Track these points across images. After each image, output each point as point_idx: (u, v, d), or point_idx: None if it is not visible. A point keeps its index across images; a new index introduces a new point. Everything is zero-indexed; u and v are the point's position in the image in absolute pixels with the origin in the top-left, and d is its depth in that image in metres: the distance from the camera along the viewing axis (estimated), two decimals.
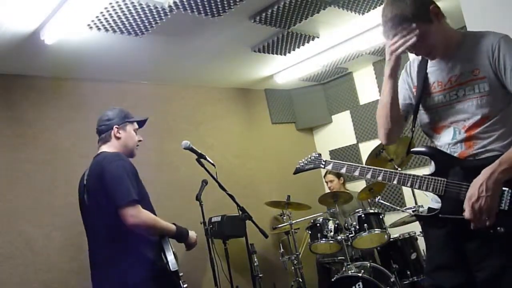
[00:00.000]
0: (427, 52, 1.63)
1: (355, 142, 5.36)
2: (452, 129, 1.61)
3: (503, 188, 1.46)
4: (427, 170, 1.74)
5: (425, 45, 1.58)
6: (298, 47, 3.96)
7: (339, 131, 5.54)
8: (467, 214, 1.48)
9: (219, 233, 3.80)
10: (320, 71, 5.01)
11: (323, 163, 1.97)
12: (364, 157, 4.96)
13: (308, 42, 3.88)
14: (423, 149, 1.74)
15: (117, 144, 2.31)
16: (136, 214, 2.02)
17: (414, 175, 1.65)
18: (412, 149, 1.74)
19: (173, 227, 2.22)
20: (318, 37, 3.85)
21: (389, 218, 4.20)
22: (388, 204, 3.98)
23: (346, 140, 5.43)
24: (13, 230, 3.06)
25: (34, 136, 3.32)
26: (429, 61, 1.71)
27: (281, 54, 4.06)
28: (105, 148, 2.31)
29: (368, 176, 1.75)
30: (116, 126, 2.32)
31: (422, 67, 1.71)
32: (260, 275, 3.87)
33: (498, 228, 1.46)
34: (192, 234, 2.32)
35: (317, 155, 2.02)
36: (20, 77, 3.34)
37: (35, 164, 3.28)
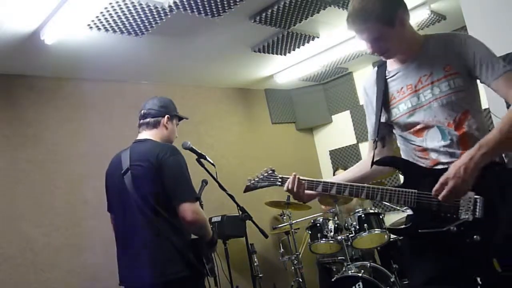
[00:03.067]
0: (381, 52, 1.61)
1: (355, 142, 5.36)
2: (437, 129, 1.56)
3: (476, 197, 1.44)
4: None
5: (380, 46, 1.58)
6: (298, 47, 3.96)
7: (339, 131, 5.54)
8: (436, 187, 1.45)
9: (219, 233, 3.80)
10: (320, 71, 5.01)
11: (280, 180, 1.77)
12: (364, 157, 4.96)
13: (308, 42, 3.88)
14: (388, 160, 1.69)
15: (163, 134, 2.24)
16: (198, 211, 2.02)
17: (383, 188, 1.59)
18: (376, 160, 1.67)
19: (211, 232, 2.20)
20: (318, 37, 3.85)
21: (389, 218, 4.20)
22: (388, 204, 3.99)
23: (346, 140, 5.43)
24: (13, 230, 3.06)
25: (34, 136, 3.32)
26: (387, 70, 1.70)
27: (281, 54, 4.06)
28: (149, 134, 2.22)
29: (333, 191, 1.66)
30: (168, 115, 2.27)
31: (379, 80, 1.70)
32: (260, 275, 3.88)
33: (475, 236, 1.43)
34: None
35: (271, 171, 1.81)
36: (20, 77, 3.34)
37: (35, 164, 3.28)
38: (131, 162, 2.10)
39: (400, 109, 1.63)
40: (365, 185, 1.62)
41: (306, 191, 1.73)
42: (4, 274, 2.95)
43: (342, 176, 1.86)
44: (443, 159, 1.55)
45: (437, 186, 1.45)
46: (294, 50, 4.00)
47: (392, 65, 1.69)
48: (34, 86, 3.40)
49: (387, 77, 1.69)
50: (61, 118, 3.50)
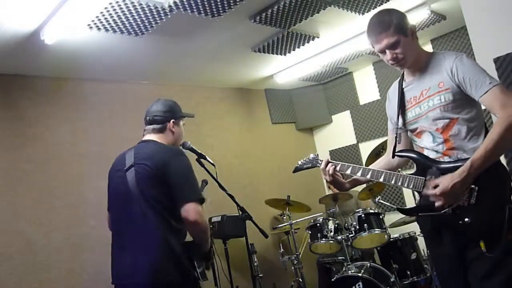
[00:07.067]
0: (397, 60, 1.86)
1: (355, 142, 5.36)
2: (430, 133, 1.90)
3: (472, 186, 1.72)
4: None
5: (396, 53, 1.84)
6: (298, 47, 3.96)
7: (339, 131, 5.54)
8: (435, 198, 1.74)
9: (219, 233, 3.80)
10: (320, 71, 5.01)
11: (320, 162, 2.20)
12: (364, 157, 4.97)
13: (308, 42, 3.88)
14: (406, 153, 1.98)
15: (170, 138, 2.26)
16: (201, 212, 2.01)
17: (398, 174, 1.92)
18: (396, 152, 2.00)
19: (209, 241, 2.18)
20: (318, 37, 3.85)
21: (389, 218, 4.20)
22: (388, 204, 3.99)
23: (346, 140, 5.43)
24: (13, 230, 3.06)
25: (34, 136, 3.32)
26: (404, 81, 2.01)
27: (281, 54, 4.06)
28: (155, 137, 2.23)
29: (359, 174, 2.01)
30: (173, 120, 2.28)
31: (399, 89, 2.01)
32: (260, 275, 3.87)
33: (466, 219, 1.72)
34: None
35: (315, 156, 2.26)
36: (20, 77, 3.34)
37: (35, 164, 3.28)
38: (135, 161, 2.11)
39: (408, 116, 1.98)
40: (384, 170, 1.96)
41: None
42: (4, 274, 2.95)
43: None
44: (432, 155, 1.89)
45: (435, 194, 1.74)
46: (294, 50, 4.00)
47: (407, 77, 2.01)
48: (34, 86, 3.40)
49: (403, 87, 2.01)
50: (61, 118, 3.50)
